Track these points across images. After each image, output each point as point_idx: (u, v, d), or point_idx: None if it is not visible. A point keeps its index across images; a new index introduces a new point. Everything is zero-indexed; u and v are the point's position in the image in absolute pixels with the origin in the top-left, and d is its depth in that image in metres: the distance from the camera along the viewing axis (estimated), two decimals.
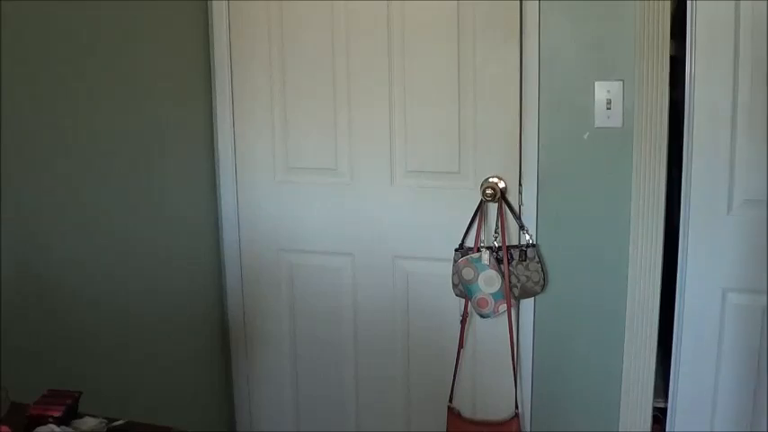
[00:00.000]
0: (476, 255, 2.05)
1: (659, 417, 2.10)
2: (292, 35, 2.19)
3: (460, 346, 2.16)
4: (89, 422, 1.37)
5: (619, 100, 1.94)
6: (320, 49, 2.16)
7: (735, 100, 1.82)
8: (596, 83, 1.95)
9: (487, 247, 2.06)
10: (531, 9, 1.95)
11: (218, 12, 2.23)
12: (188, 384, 2.26)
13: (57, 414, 1.35)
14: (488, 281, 2.04)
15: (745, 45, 1.79)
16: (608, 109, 1.94)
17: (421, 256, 2.18)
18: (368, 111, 2.16)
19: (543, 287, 2.06)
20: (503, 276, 2.03)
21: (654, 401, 2.06)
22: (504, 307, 2.05)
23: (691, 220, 1.90)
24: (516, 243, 2.07)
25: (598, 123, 1.97)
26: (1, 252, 1.67)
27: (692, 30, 1.83)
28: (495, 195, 2.02)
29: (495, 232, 2.05)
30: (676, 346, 1.97)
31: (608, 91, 1.94)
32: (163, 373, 2.14)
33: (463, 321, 2.14)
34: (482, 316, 2.08)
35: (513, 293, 2.05)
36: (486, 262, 2.04)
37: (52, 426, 1.32)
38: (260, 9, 2.20)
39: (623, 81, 1.93)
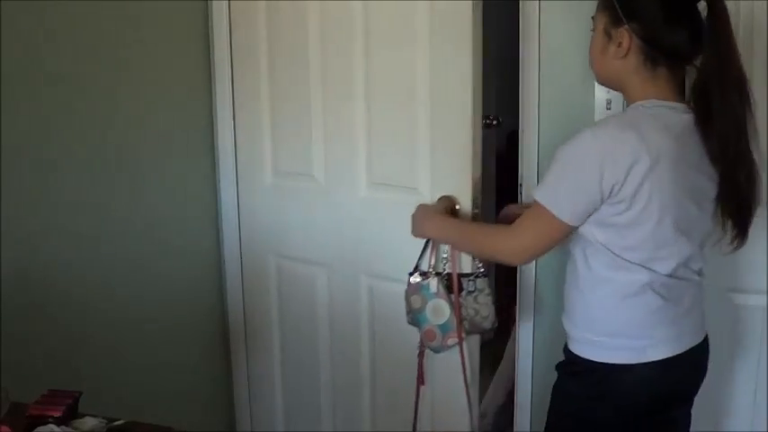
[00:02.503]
0: (425, 281, 1.80)
1: None
2: (278, 36, 2.16)
3: (419, 382, 1.93)
4: (89, 422, 1.38)
5: (619, 100, 1.93)
6: (300, 50, 2.10)
7: None
8: (596, 83, 1.95)
9: (437, 273, 1.81)
10: (531, 9, 1.95)
11: (218, 12, 2.23)
12: (188, 384, 2.26)
13: (57, 414, 1.36)
14: (436, 311, 1.79)
15: (746, 45, 1.79)
16: (608, 109, 1.94)
17: (384, 274, 2.03)
18: (337, 118, 2.07)
19: (493, 325, 1.81)
20: (452, 307, 1.78)
21: None
22: (453, 340, 1.79)
23: None
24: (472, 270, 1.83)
25: None
26: (1, 252, 1.67)
27: None
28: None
29: (446, 256, 1.82)
30: None
31: (608, 91, 1.93)
32: (163, 373, 2.14)
33: (421, 354, 1.91)
34: (430, 349, 1.86)
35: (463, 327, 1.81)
36: (435, 290, 1.78)
37: (52, 426, 1.32)
38: (260, 9, 2.19)
39: None
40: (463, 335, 1.80)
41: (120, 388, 1.94)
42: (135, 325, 2.05)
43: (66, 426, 1.35)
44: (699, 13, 1.34)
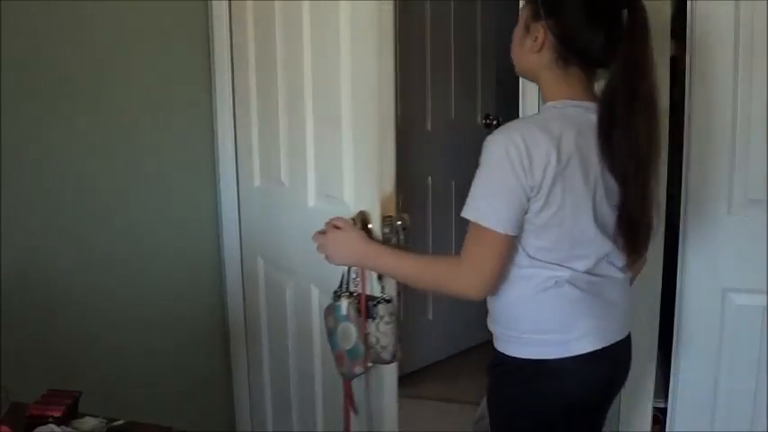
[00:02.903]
0: (338, 302, 1.65)
1: (659, 417, 2.10)
2: (263, 36, 2.14)
3: (347, 410, 1.76)
4: (89, 422, 1.38)
5: None
6: (270, 56, 2.06)
7: (735, 100, 1.82)
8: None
9: (350, 294, 1.65)
10: None
11: (218, 12, 2.23)
12: (188, 384, 2.26)
13: (57, 414, 1.36)
14: (345, 335, 1.64)
15: (745, 45, 1.79)
16: None
17: (325, 289, 1.84)
18: (295, 125, 1.99)
19: (394, 357, 1.64)
20: (360, 332, 1.62)
21: (654, 401, 2.06)
22: (360, 369, 1.64)
23: (690, 220, 1.90)
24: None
25: None
26: (1, 252, 1.67)
27: (691, 30, 1.83)
28: None
29: (356, 276, 1.65)
30: (676, 346, 1.97)
31: None
32: (163, 374, 2.14)
33: (347, 380, 1.72)
34: (341, 375, 1.71)
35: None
36: (345, 312, 1.63)
37: (52, 426, 1.33)
38: (259, 9, 2.19)
39: None
40: (369, 364, 1.64)
41: (120, 388, 1.94)
42: (135, 325, 2.05)
43: (67, 426, 1.35)
44: (620, 19, 1.33)
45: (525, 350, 1.42)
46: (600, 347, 1.42)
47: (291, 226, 2.06)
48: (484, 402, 2.41)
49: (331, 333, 1.67)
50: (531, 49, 1.40)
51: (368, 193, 1.68)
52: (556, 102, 1.39)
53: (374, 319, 1.61)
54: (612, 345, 1.45)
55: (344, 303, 1.63)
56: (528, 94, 1.99)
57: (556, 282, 1.38)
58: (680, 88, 1.92)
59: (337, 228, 1.59)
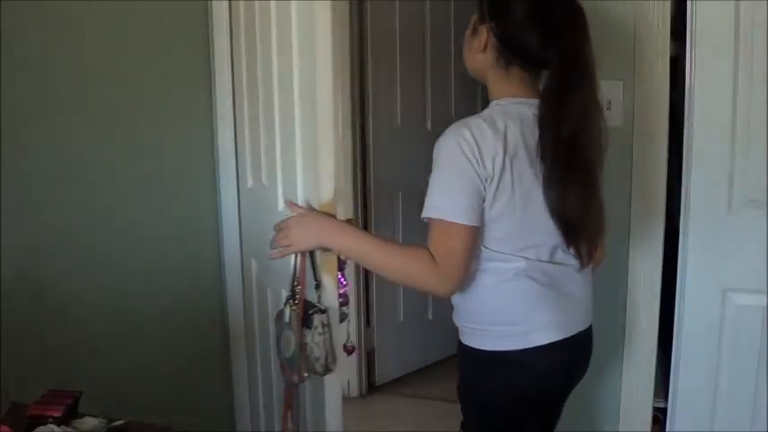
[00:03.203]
0: (284, 308, 1.60)
1: (659, 417, 2.10)
2: (248, 36, 2.10)
3: (285, 419, 1.69)
4: (89, 422, 1.38)
5: (619, 100, 1.94)
6: (252, 53, 2.03)
7: (735, 100, 1.82)
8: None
9: (294, 301, 1.60)
10: None
11: (218, 12, 2.23)
12: (188, 384, 2.26)
13: (57, 414, 1.36)
14: (286, 342, 1.58)
15: (745, 45, 1.79)
16: (608, 109, 1.94)
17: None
18: (266, 126, 1.97)
19: (327, 370, 1.57)
20: (297, 340, 1.56)
21: (654, 401, 2.06)
22: (297, 378, 1.58)
23: (691, 220, 1.90)
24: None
25: None
26: (1, 252, 1.67)
27: (692, 30, 1.83)
28: None
29: (297, 282, 1.58)
30: (676, 346, 1.97)
31: (607, 91, 1.94)
32: (163, 374, 2.14)
33: (288, 388, 1.66)
34: (284, 382, 1.66)
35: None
36: (287, 319, 1.57)
37: (52, 426, 1.33)
38: (247, 9, 2.17)
39: (623, 81, 1.93)
40: (305, 374, 1.59)
41: (120, 388, 1.94)
42: (135, 325, 2.05)
43: (67, 426, 1.35)
44: (557, 20, 1.40)
45: (489, 342, 1.46)
46: (560, 338, 1.46)
47: (269, 230, 2.03)
48: None
49: (276, 340, 1.63)
50: (477, 49, 1.47)
51: (313, 199, 1.64)
52: (500, 99, 1.45)
53: (310, 328, 1.56)
54: (573, 336, 1.50)
55: (287, 310, 1.58)
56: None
57: (515, 274, 1.43)
58: (680, 88, 1.92)
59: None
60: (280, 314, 1.62)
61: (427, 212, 1.38)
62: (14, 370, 1.58)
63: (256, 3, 1.98)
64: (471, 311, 1.49)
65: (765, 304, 1.87)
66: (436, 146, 1.40)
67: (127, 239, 2.02)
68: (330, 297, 1.60)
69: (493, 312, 1.46)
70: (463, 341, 1.52)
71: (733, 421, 1.94)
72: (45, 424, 1.33)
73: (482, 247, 1.42)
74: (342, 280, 1.65)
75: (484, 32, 1.44)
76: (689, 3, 1.83)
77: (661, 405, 2.08)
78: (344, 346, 1.69)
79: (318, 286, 1.59)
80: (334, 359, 1.58)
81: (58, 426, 1.33)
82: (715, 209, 1.88)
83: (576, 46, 1.39)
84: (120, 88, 1.97)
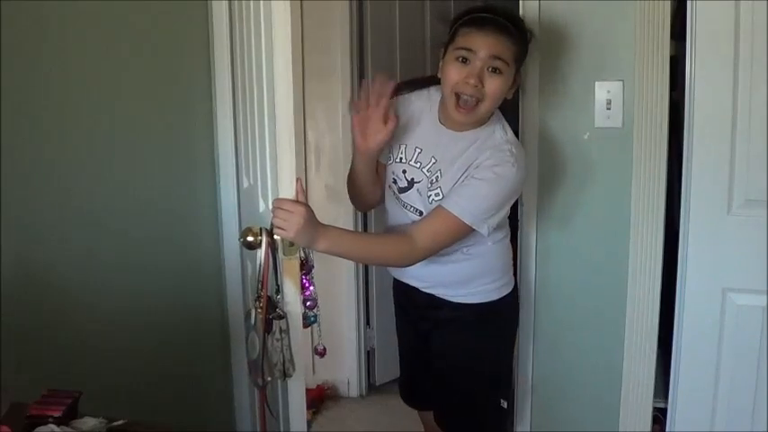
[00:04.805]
0: (251, 309, 1.55)
1: (659, 417, 2.10)
2: (239, 35, 2.10)
3: (263, 417, 1.66)
4: (89, 422, 1.38)
5: (619, 100, 1.94)
6: (242, 51, 2.03)
7: (735, 100, 1.82)
8: (596, 83, 1.95)
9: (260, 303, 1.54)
10: (531, 9, 1.95)
11: (218, 12, 2.23)
12: (188, 385, 2.26)
13: (57, 414, 1.36)
14: (251, 344, 1.53)
15: (745, 45, 1.79)
16: (608, 109, 1.95)
17: None
18: (249, 126, 1.97)
19: (284, 375, 1.53)
20: (260, 343, 1.51)
21: (654, 401, 2.06)
22: (260, 381, 1.53)
23: (691, 220, 1.90)
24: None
25: (598, 123, 1.97)
26: (1, 252, 1.67)
27: (692, 30, 1.83)
28: (255, 244, 1.52)
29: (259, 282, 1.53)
30: (676, 346, 1.97)
31: (608, 91, 1.94)
32: (163, 374, 2.14)
33: (262, 388, 1.58)
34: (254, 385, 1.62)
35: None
36: (253, 320, 1.52)
37: (52, 426, 1.32)
38: (238, 9, 2.17)
39: (623, 81, 1.93)
40: (268, 378, 1.53)
41: (120, 388, 1.94)
42: (135, 325, 2.05)
43: (67, 426, 1.35)
44: None
45: (500, 292, 1.81)
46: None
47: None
48: None
49: (246, 340, 1.58)
50: (511, 90, 1.69)
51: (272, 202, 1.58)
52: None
53: (271, 332, 1.52)
54: None
55: (254, 312, 1.53)
56: (529, 93, 1.99)
57: (505, 235, 1.81)
58: (680, 88, 1.92)
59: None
60: (248, 315, 1.57)
61: (463, 215, 1.57)
62: (14, 370, 1.58)
63: (251, 3, 1.98)
64: (487, 271, 1.79)
65: (765, 304, 1.87)
66: (505, 167, 1.59)
67: (127, 239, 2.02)
68: (291, 302, 1.55)
69: (501, 269, 1.82)
70: (482, 300, 1.79)
71: (733, 421, 1.94)
72: (45, 424, 1.33)
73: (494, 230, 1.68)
74: (305, 283, 1.61)
75: (520, 73, 1.70)
76: (689, 3, 1.83)
77: (661, 405, 2.08)
78: (315, 349, 1.70)
79: (278, 291, 1.54)
80: (293, 365, 1.54)
81: (58, 426, 1.33)
82: (715, 209, 1.88)
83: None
84: (120, 88, 1.97)
